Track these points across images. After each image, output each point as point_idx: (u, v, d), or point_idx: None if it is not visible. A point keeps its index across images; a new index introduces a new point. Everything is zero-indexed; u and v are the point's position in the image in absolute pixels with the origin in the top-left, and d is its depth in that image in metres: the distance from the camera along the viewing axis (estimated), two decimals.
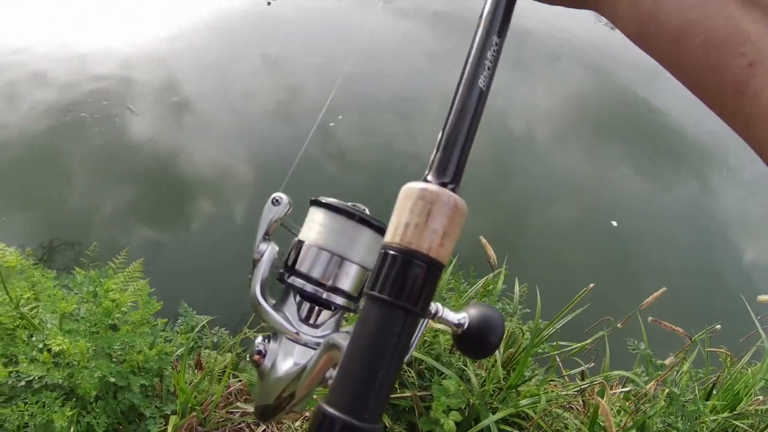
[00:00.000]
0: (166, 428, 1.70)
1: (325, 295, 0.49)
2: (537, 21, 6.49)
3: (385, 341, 0.31)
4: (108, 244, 3.35)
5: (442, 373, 1.77)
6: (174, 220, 3.96)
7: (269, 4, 6.61)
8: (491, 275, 2.00)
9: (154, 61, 5.39)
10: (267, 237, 0.51)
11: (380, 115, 4.97)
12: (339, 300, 0.49)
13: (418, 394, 1.65)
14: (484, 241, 1.88)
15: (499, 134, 4.90)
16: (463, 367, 1.76)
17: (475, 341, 0.42)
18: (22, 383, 1.58)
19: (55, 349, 1.47)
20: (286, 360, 0.48)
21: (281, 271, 0.51)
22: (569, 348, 2.14)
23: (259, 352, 0.49)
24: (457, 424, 1.56)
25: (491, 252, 1.87)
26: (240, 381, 2.03)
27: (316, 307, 0.50)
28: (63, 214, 3.81)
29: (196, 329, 2.14)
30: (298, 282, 0.49)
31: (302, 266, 0.49)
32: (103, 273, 1.85)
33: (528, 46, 6.34)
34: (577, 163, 4.95)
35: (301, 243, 0.50)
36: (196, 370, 2.01)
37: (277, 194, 0.52)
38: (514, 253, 2.36)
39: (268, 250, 0.51)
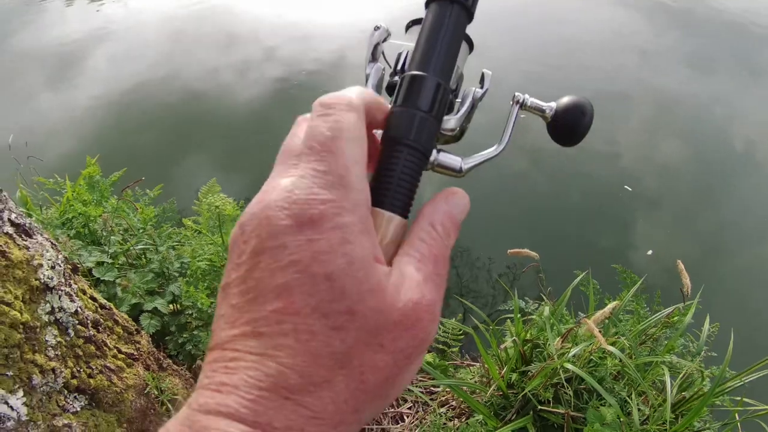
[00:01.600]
0: None
1: None
2: None
3: None
4: None
5: (602, 398, 1.67)
6: None
7: None
8: (681, 305, 1.82)
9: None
10: (373, 59, 0.51)
11: None
12: None
13: (571, 413, 1.58)
14: (681, 266, 1.70)
15: (712, 148, 4.34)
16: (626, 398, 1.63)
17: (564, 126, 0.44)
18: None
19: None
20: None
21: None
22: (756, 409, 1.86)
23: None
24: None
25: (686, 279, 1.69)
26: None
27: None
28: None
29: None
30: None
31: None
32: None
33: (762, 47, 5.49)
34: None
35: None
36: None
37: (377, 23, 0.53)
38: (709, 286, 2.10)
39: (375, 67, 0.50)
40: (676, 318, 1.91)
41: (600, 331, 1.68)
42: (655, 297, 1.96)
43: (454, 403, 2.02)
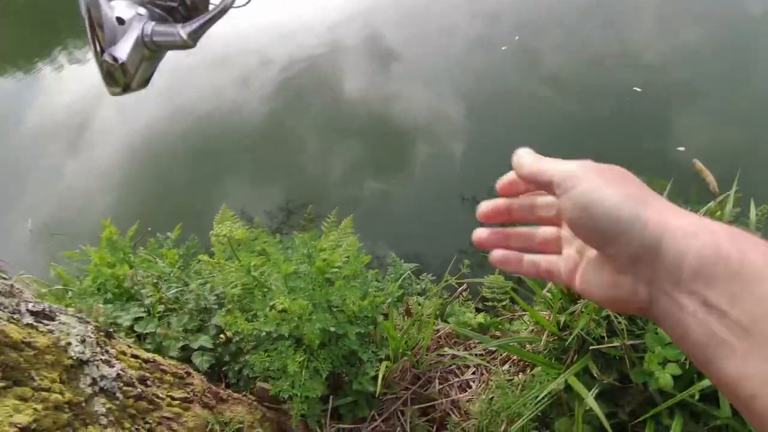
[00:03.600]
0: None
1: None
2: None
3: None
4: (335, 200, 3.71)
5: None
6: (397, 167, 4.21)
7: None
8: (713, 203, 1.70)
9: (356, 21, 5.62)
10: None
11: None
12: None
13: (629, 343, 1.52)
14: (698, 165, 1.59)
15: (729, 25, 4.04)
16: None
17: None
18: (263, 334, 1.87)
19: (279, 307, 1.70)
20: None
21: None
22: None
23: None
24: (675, 378, 1.40)
25: (709, 177, 1.58)
26: (448, 325, 2.10)
27: None
28: (298, 177, 4.33)
29: (402, 276, 2.27)
30: None
31: None
32: (314, 236, 2.04)
33: None
34: None
35: None
36: (405, 317, 2.14)
37: None
38: (751, 169, 1.96)
39: None
40: (718, 213, 1.80)
41: None
42: (692, 197, 1.85)
43: (515, 358, 1.99)
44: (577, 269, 0.50)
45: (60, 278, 2.15)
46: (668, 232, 0.40)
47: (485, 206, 0.57)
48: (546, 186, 0.49)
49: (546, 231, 0.55)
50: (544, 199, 0.55)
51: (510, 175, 0.56)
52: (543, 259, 0.55)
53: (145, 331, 1.85)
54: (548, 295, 1.88)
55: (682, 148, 3.27)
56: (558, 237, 0.54)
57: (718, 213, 1.81)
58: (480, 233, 0.57)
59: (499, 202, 0.57)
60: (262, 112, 4.86)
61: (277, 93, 4.98)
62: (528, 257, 0.55)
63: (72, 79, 5.71)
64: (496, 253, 0.56)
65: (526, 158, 0.51)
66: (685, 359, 1.45)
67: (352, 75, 5.04)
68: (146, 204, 4.15)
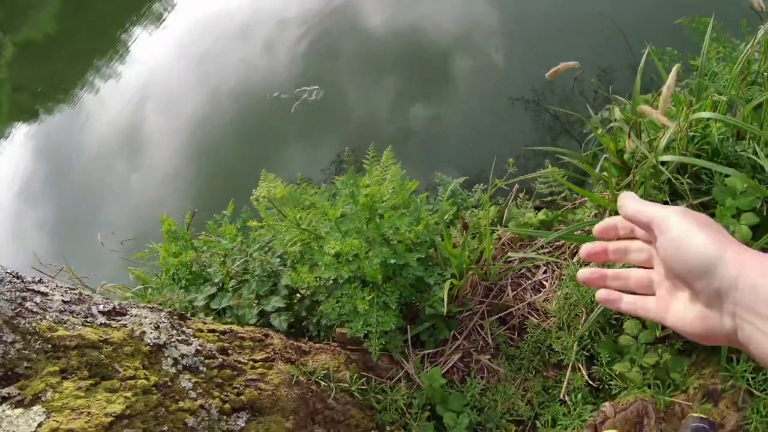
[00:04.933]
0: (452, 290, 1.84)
1: None
2: None
3: None
4: (388, 138, 3.67)
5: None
6: (440, 90, 4.10)
7: None
8: (762, 26, 1.49)
9: None
10: None
11: None
12: None
13: (695, 202, 1.40)
14: None
15: None
16: (753, 156, 1.40)
17: None
18: (331, 282, 1.90)
19: (332, 252, 1.72)
20: None
21: None
22: None
23: None
24: (753, 227, 1.28)
25: None
26: (509, 231, 2.04)
27: None
28: (345, 128, 4.31)
29: (450, 191, 2.21)
30: None
31: None
32: (352, 175, 2.01)
33: None
34: None
35: None
36: (463, 232, 2.10)
37: None
38: None
39: None
40: None
41: (689, 102, 1.46)
42: (741, 28, 1.64)
43: None
44: (668, 308, 0.59)
45: (138, 279, 2.29)
46: (744, 269, 0.49)
47: (586, 249, 0.67)
48: (644, 226, 0.59)
49: (639, 273, 0.64)
50: (637, 245, 0.65)
51: (605, 222, 0.67)
52: (639, 299, 0.63)
53: (221, 306, 1.93)
54: (604, 174, 1.76)
55: None
56: (650, 279, 0.63)
57: None
58: (583, 273, 0.67)
59: (597, 245, 0.67)
60: (296, 73, 4.82)
61: (307, 51, 4.92)
62: (627, 298, 0.64)
63: (111, 95, 5.93)
64: (601, 293, 0.66)
65: (629, 201, 0.61)
66: (762, 206, 1.32)
67: (374, 11, 4.89)
68: (212, 192, 4.31)
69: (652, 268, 0.64)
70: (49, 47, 7.62)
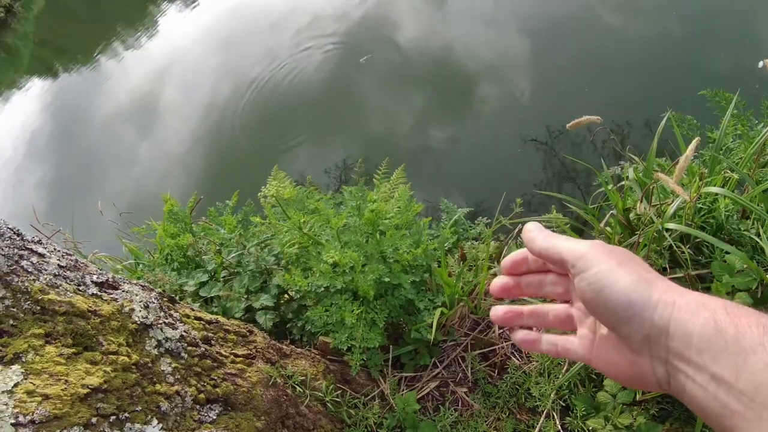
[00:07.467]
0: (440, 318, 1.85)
1: None
2: None
3: None
4: (403, 153, 3.70)
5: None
6: (461, 114, 4.14)
7: None
8: None
9: None
10: None
11: None
12: None
13: (693, 273, 1.42)
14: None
15: None
16: (755, 237, 1.42)
17: None
18: (322, 289, 1.91)
19: (330, 261, 1.72)
20: None
21: None
22: None
23: None
24: None
25: None
26: None
27: None
28: (363, 136, 4.34)
29: (454, 221, 2.22)
30: None
31: None
32: (361, 188, 2.03)
33: None
34: None
35: None
36: (460, 262, 2.11)
37: None
38: None
39: None
40: None
41: (702, 174, 1.48)
42: (763, 108, 1.67)
43: None
44: (592, 347, 0.54)
45: (131, 253, 2.29)
46: (674, 312, 0.44)
47: (496, 284, 0.62)
48: (558, 263, 0.53)
49: (557, 309, 0.59)
50: (551, 278, 0.59)
51: (514, 256, 0.61)
52: (560, 339, 0.59)
53: (210, 295, 1.93)
54: (607, 229, 1.78)
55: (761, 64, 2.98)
56: (569, 314, 0.58)
57: None
58: (496, 311, 0.62)
59: (508, 279, 0.61)
60: (321, 75, 4.85)
61: (334, 54, 4.96)
62: (546, 337, 0.59)
63: (134, 66, 5.95)
64: (518, 334, 0.61)
65: (536, 234, 0.55)
66: (757, 287, 1.34)
67: (408, 23, 4.95)
68: (219, 179, 4.32)
69: (570, 302, 0.59)
70: (78, 6, 7.66)
